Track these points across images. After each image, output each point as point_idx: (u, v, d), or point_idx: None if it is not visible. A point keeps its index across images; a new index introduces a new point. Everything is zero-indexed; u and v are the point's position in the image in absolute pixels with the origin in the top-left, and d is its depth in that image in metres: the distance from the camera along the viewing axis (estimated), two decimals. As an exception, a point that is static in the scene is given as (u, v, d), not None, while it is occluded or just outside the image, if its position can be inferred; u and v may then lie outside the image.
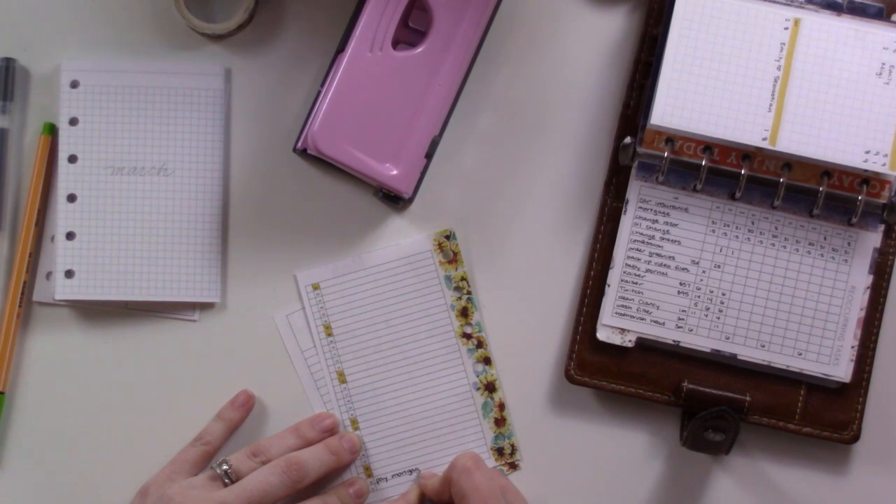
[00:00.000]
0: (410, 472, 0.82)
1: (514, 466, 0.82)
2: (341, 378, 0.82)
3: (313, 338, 0.82)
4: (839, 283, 0.80)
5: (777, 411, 0.80)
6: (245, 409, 0.81)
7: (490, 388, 0.82)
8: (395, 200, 0.82)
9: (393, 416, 0.82)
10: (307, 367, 0.82)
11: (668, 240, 0.81)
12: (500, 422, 0.82)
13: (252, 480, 0.76)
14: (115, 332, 0.82)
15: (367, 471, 0.81)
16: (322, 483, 0.80)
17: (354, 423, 0.82)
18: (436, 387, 0.82)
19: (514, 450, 0.82)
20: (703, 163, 0.79)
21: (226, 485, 0.76)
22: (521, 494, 0.78)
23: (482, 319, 0.82)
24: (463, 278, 0.82)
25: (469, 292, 0.82)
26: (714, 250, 0.81)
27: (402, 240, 0.82)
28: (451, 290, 0.82)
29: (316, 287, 0.82)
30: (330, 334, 0.82)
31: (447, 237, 0.82)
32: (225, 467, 0.77)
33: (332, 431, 0.81)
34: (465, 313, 0.82)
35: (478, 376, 0.82)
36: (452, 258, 0.82)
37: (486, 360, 0.82)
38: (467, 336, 0.82)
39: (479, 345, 0.82)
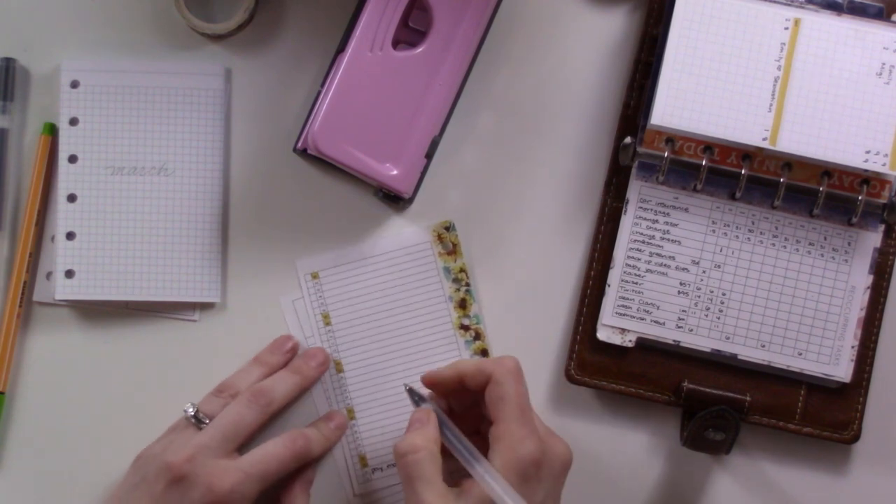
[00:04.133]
0: None
1: None
2: (339, 367, 0.82)
3: (311, 327, 0.82)
4: (839, 283, 0.80)
5: (777, 411, 0.80)
6: None
7: None
8: (395, 200, 0.82)
9: (389, 406, 0.82)
10: None
11: (668, 240, 0.81)
12: None
13: (223, 417, 0.76)
14: (115, 332, 0.82)
15: (363, 460, 0.81)
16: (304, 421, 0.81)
17: (351, 412, 0.81)
18: None
19: None
20: (703, 163, 0.79)
21: (200, 429, 0.76)
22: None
23: (480, 311, 0.82)
24: (462, 270, 0.82)
25: (468, 284, 0.82)
26: (714, 250, 0.81)
27: (402, 231, 0.82)
28: (449, 282, 0.82)
29: (315, 276, 0.82)
30: (328, 323, 0.82)
31: (447, 228, 0.82)
32: (191, 410, 0.77)
33: (294, 352, 0.81)
34: (463, 305, 0.82)
35: None
36: (452, 249, 0.82)
37: (484, 352, 0.82)
38: (465, 328, 0.82)
39: (477, 336, 0.82)
